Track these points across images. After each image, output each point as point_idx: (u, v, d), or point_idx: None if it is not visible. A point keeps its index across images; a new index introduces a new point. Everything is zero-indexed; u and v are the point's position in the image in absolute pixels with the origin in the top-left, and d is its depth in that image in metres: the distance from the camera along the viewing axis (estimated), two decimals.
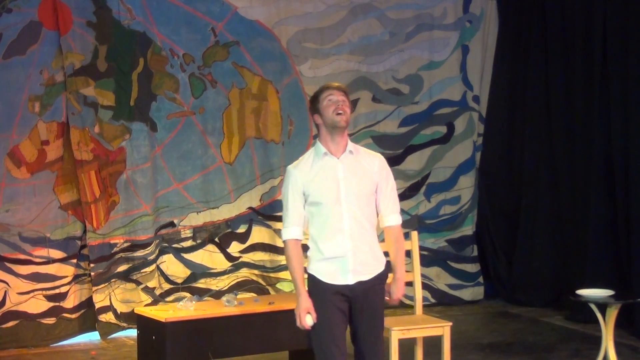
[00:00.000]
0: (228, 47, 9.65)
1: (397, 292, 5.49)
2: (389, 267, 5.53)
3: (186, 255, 9.55)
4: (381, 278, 5.47)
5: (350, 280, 5.39)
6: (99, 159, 9.13)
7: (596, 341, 7.82)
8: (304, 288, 5.46)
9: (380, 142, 10.23)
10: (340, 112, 5.51)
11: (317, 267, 5.51)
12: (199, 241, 9.60)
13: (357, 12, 10.13)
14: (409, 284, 7.45)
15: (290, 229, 5.60)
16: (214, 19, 9.60)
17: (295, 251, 5.56)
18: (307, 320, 5.40)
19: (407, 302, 9.95)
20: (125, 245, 9.25)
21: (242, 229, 9.77)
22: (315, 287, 5.46)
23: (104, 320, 9.09)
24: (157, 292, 9.33)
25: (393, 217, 5.51)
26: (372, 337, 5.50)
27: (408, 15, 10.30)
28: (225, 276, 9.65)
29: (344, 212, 5.39)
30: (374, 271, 5.43)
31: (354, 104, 10.13)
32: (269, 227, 9.85)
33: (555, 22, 9.95)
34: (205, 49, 9.57)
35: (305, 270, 5.55)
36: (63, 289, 9.04)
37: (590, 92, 9.48)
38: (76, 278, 9.12)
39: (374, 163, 5.52)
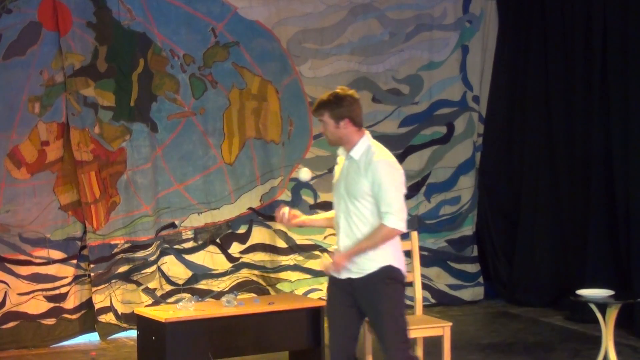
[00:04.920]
0: (228, 47, 9.65)
1: (335, 259, 5.72)
2: (390, 270, 5.70)
3: (187, 257, 9.55)
4: (377, 276, 5.69)
5: (342, 275, 5.78)
6: (99, 159, 9.13)
7: (596, 341, 7.82)
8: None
9: (380, 142, 10.19)
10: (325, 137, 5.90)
11: None
12: (200, 242, 9.60)
13: (357, 12, 10.13)
14: (409, 284, 7.46)
15: None
16: (214, 20, 9.60)
17: None
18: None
19: (407, 302, 9.98)
20: (126, 246, 9.25)
21: (242, 230, 9.77)
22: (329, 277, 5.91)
23: (104, 321, 9.09)
24: (158, 293, 9.33)
25: (384, 218, 5.65)
26: (377, 330, 5.82)
27: (408, 15, 10.30)
28: (226, 277, 9.65)
29: (340, 211, 5.80)
30: (364, 270, 5.70)
31: None
32: (269, 227, 9.85)
33: (555, 22, 9.95)
34: (205, 49, 9.58)
35: None
36: (63, 290, 9.05)
37: (590, 92, 9.48)
38: (76, 279, 9.13)
39: (368, 166, 5.70)
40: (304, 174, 6.14)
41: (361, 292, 5.73)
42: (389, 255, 5.71)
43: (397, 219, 5.64)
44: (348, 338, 5.82)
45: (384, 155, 5.76)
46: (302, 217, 6.13)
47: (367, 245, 5.68)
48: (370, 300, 5.72)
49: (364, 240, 5.69)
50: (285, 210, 5.97)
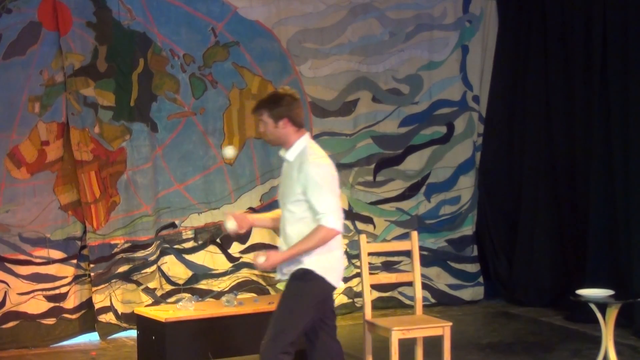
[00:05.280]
0: (228, 47, 9.65)
1: (267, 257, 5.68)
2: (307, 273, 5.69)
3: (187, 256, 9.55)
4: (294, 275, 5.73)
5: (279, 277, 5.87)
6: (99, 159, 9.13)
7: (596, 341, 7.82)
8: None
9: (380, 142, 10.23)
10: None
11: None
12: (200, 242, 9.60)
13: (357, 12, 10.13)
14: (409, 284, 7.46)
15: None
16: (214, 19, 9.60)
17: None
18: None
19: (407, 302, 10.00)
20: (126, 245, 9.25)
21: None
22: None
23: (103, 320, 9.09)
24: (158, 293, 9.33)
25: (321, 219, 5.62)
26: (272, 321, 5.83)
27: (408, 15, 10.30)
28: (227, 277, 9.65)
29: (281, 213, 5.84)
30: (289, 273, 5.75)
31: (354, 104, 10.15)
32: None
33: (555, 22, 9.95)
34: (205, 49, 9.58)
35: None
36: (63, 290, 9.05)
37: (590, 92, 9.47)
38: (76, 278, 9.13)
39: (299, 169, 5.69)
40: (229, 151, 6.09)
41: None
42: (313, 261, 5.67)
43: (334, 219, 5.61)
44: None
45: (317, 158, 5.72)
46: (252, 218, 6.09)
47: (305, 248, 5.65)
48: (284, 291, 5.81)
49: (301, 242, 5.65)
50: (231, 224, 5.93)
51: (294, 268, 5.72)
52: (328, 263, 5.72)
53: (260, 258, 5.67)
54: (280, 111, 5.73)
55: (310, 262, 5.69)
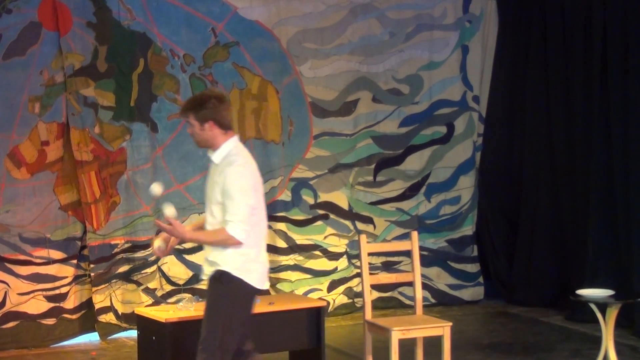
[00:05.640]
0: (228, 47, 9.65)
1: (177, 223, 5.75)
2: (224, 275, 5.72)
3: (188, 257, 9.54)
4: (213, 278, 5.76)
5: (201, 276, 5.93)
6: (99, 159, 9.13)
7: (596, 341, 7.82)
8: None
9: (381, 143, 10.24)
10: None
11: None
12: None
13: (357, 12, 10.13)
14: (409, 284, 7.47)
15: None
16: (214, 20, 9.60)
17: None
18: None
19: (407, 302, 10.00)
20: (126, 246, 9.25)
21: None
22: None
23: (104, 321, 9.09)
24: (159, 293, 9.33)
25: (226, 224, 5.66)
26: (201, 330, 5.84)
27: (408, 15, 10.30)
28: None
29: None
30: (207, 272, 5.79)
31: (354, 104, 10.15)
32: (269, 227, 9.82)
33: (555, 22, 9.95)
34: (205, 49, 9.58)
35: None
36: (63, 290, 9.05)
37: (590, 91, 9.48)
38: (76, 279, 9.13)
39: (220, 173, 5.73)
40: (155, 189, 6.07)
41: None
42: (229, 262, 5.70)
43: (238, 229, 5.63)
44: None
45: (239, 162, 5.73)
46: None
47: (204, 239, 5.78)
48: (207, 297, 5.84)
49: (206, 233, 5.76)
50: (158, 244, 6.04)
51: (212, 269, 5.76)
52: (244, 264, 5.73)
53: (164, 226, 5.76)
54: (205, 113, 5.74)
55: (225, 264, 5.71)
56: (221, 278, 5.72)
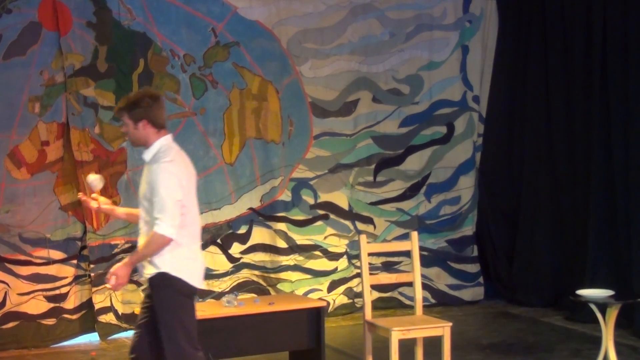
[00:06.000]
0: (228, 47, 9.65)
1: (115, 276, 5.69)
2: (165, 277, 5.69)
3: None
4: (155, 281, 5.71)
5: (142, 278, 5.88)
6: (99, 159, 9.14)
7: (596, 341, 7.82)
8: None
9: (381, 143, 10.24)
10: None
11: None
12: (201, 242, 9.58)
13: (357, 12, 10.13)
14: (409, 284, 7.47)
15: None
16: (215, 20, 9.60)
17: None
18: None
19: (407, 302, 10.00)
20: (126, 246, 9.25)
21: (242, 230, 9.77)
22: None
23: (104, 321, 9.09)
24: None
25: (155, 224, 5.65)
26: (161, 338, 5.75)
27: (408, 15, 10.30)
28: (227, 277, 9.65)
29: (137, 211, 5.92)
30: (146, 274, 5.74)
31: (354, 104, 10.15)
32: (269, 227, 9.85)
33: (555, 22, 9.96)
34: (205, 49, 9.58)
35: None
36: (63, 290, 9.05)
37: (590, 91, 9.48)
38: (76, 279, 9.13)
39: (150, 169, 5.75)
40: (95, 182, 6.14)
41: (151, 296, 5.79)
42: (166, 262, 5.69)
43: (167, 226, 5.62)
44: (147, 335, 5.83)
45: (166, 159, 5.73)
46: (108, 207, 6.20)
47: (144, 254, 5.69)
48: (154, 307, 5.75)
49: (140, 248, 5.71)
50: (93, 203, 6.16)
51: (149, 272, 5.73)
52: (181, 264, 5.73)
53: (111, 281, 5.70)
54: (139, 112, 5.77)
55: (162, 264, 5.70)
56: (161, 282, 5.71)
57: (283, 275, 9.84)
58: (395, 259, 10.15)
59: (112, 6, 9.18)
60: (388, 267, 10.10)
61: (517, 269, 10.37)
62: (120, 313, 9.14)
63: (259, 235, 9.81)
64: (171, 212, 5.62)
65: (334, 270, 10.01)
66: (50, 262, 9.01)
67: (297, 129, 9.92)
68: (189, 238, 5.76)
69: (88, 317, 9.14)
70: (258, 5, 9.76)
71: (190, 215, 5.79)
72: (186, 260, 5.74)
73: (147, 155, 5.81)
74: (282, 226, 9.88)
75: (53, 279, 9.02)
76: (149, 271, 5.72)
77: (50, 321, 8.98)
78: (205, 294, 9.32)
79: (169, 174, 5.67)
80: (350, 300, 10.02)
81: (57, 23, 8.97)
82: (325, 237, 10.01)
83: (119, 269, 5.69)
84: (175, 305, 5.72)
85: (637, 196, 8.96)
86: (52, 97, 9.02)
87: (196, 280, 5.79)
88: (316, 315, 7.44)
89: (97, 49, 9.14)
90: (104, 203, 6.19)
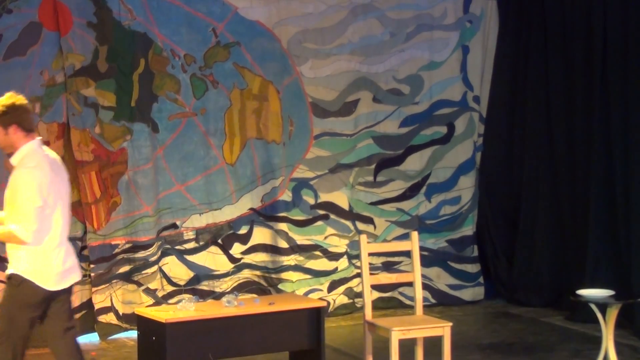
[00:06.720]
0: (229, 47, 9.65)
1: None
2: (15, 277, 5.85)
3: (189, 257, 9.55)
4: (7, 277, 5.91)
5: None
6: (99, 159, 9.14)
7: (596, 341, 7.83)
8: None
9: (381, 143, 10.23)
10: None
11: None
12: (201, 243, 9.60)
13: (358, 12, 10.13)
14: (409, 284, 7.47)
15: None
16: (215, 20, 9.60)
17: None
18: None
19: (408, 302, 10.00)
20: (127, 246, 9.25)
21: (243, 230, 9.77)
22: None
23: (104, 321, 9.10)
24: (160, 294, 9.33)
25: (15, 225, 5.74)
26: None
27: (408, 15, 10.30)
28: (228, 278, 9.65)
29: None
30: (7, 272, 5.94)
31: (354, 104, 10.15)
32: (270, 227, 9.85)
33: (555, 22, 9.96)
34: (206, 49, 9.58)
35: None
36: None
37: (590, 92, 9.48)
38: None
39: (13, 175, 5.84)
40: None
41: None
42: (20, 263, 5.83)
43: (21, 230, 5.73)
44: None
45: (29, 164, 5.81)
46: None
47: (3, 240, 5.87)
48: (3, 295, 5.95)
49: (2, 235, 5.84)
50: None
51: (9, 268, 5.89)
52: (34, 266, 5.85)
53: None
54: (8, 118, 5.86)
55: (17, 265, 5.84)
56: (13, 280, 5.87)
57: (284, 275, 9.84)
58: (396, 259, 10.15)
59: (112, 6, 9.18)
60: (388, 267, 10.10)
61: (517, 269, 10.37)
62: (120, 313, 9.14)
63: (260, 235, 9.81)
64: (28, 217, 5.74)
65: (334, 270, 10.02)
66: None
67: (297, 129, 9.92)
68: (49, 242, 5.86)
69: (88, 317, 9.14)
70: (258, 5, 9.76)
71: (54, 219, 5.88)
72: (39, 263, 5.86)
73: (14, 159, 5.91)
74: (283, 226, 9.88)
75: None
76: (8, 270, 5.89)
77: None
78: (206, 295, 9.33)
79: (31, 179, 5.77)
80: (351, 300, 10.02)
81: (58, 23, 8.97)
82: (326, 237, 10.01)
83: None
84: (14, 305, 5.88)
85: (637, 196, 8.97)
86: (53, 97, 9.02)
87: (49, 283, 5.90)
88: (316, 315, 7.44)
89: (98, 49, 9.14)
90: None
